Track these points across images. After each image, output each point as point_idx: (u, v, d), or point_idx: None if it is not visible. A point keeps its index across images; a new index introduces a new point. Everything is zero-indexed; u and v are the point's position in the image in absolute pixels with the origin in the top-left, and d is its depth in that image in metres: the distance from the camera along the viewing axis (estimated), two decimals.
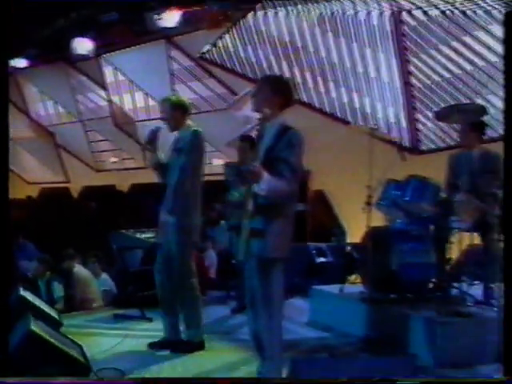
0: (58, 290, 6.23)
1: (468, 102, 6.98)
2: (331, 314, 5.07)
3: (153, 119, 10.75)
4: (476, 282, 4.88)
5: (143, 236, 5.57)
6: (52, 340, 3.07)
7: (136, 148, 11.82)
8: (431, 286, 4.84)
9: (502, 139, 1.49)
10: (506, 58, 1.55)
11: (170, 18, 9.07)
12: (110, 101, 12.47)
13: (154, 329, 4.84)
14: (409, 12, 7.45)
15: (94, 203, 12.74)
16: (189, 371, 3.87)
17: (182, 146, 4.30)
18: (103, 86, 12.42)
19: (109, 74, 12.10)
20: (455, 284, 4.70)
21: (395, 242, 4.77)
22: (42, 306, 4.45)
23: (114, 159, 13.39)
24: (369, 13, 7.81)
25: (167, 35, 10.26)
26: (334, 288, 5.26)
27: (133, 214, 10.13)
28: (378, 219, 5.20)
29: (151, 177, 4.67)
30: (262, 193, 3.16)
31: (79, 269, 6.62)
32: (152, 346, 4.39)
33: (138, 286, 5.59)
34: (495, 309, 4.09)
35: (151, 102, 11.49)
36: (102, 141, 13.56)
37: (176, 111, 4.36)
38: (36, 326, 3.08)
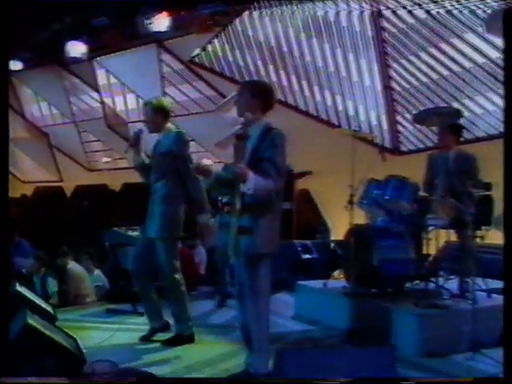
0: (53, 285, 6.20)
1: (445, 105, 7.06)
2: (316, 308, 5.13)
3: (144, 121, 10.73)
4: (452, 277, 4.95)
5: (135, 233, 5.56)
6: (48, 333, 3.08)
7: None
8: (410, 280, 4.90)
9: (503, 139, 1.50)
10: (506, 56, 1.57)
11: (161, 23, 9.08)
12: (102, 102, 12.43)
13: (146, 322, 4.80)
14: (387, 18, 7.53)
15: (87, 202, 12.69)
16: (179, 363, 3.90)
17: (169, 149, 4.28)
18: (96, 88, 12.38)
19: (101, 76, 12.06)
20: (433, 278, 4.74)
21: (376, 238, 4.83)
22: (37, 301, 4.44)
23: (106, 159, 13.33)
24: (351, 20, 7.85)
25: (158, 39, 10.26)
26: (318, 283, 5.32)
27: (125, 213, 10.11)
28: (361, 217, 5.24)
29: None
30: (250, 192, 3.20)
31: (73, 265, 6.61)
32: (143, 338, 4.41)
33: (129, 281, 5.60)
34: (469, 301, 4.17)
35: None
36: (94, 141, 13.52)
37: (157, 114, 4.35)
38: (32, 320, 3.10)
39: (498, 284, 5.15)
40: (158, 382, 1.70)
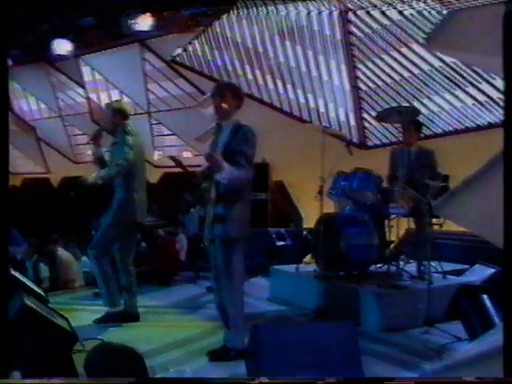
0: (44, 270, 6.22)
1: (406, 104, 7.20)
2: (289, 290, 5.25)
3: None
4: (411, 261, 5.13)
5: None
6: (43, 313, 3.17)
7: None
8: (374, 264, 5.05)
9: (503, 138, 1.59)
10: (506, 58, 1.65)
11: (144, 23, 9.09)
12: (87, 98, 12.35)
13: None
14: (354, 23, 7.66)
15: (74, 192, 12.62)
16: (162, 341, 3.98)
17: (117, 140, 4.48)
18: (81, 85, 12.27)
19: (87, 73, 11.94)
20: (394, 262, 4.89)
21: (344, 226, 4.94)
22: (30, 285, 4.50)
23: (91, 152, 13.24)
24: (321, 24, 7.94)
25: (141, 38, 10.22)
26: (291, 267, 5.43)
27: (110, 203, 10.08)
28: (330, 206, 5.33)
29: None
30: (224, 181, 3.35)
31: (62, 252, 6.61)
32: (97, 321, 4.46)
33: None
34: (426, 282, 4.34)
35: (125, 100, 11.42)
36: (80, 135, 13.40)
37: (116, 116, 4.52)
38: (29, 301, 3.18)
39: (452, 266, 5.40)
40: (159, 382, 1.77)
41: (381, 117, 5.48)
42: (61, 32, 9.90)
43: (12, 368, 2.47)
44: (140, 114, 11.36)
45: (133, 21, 9.10)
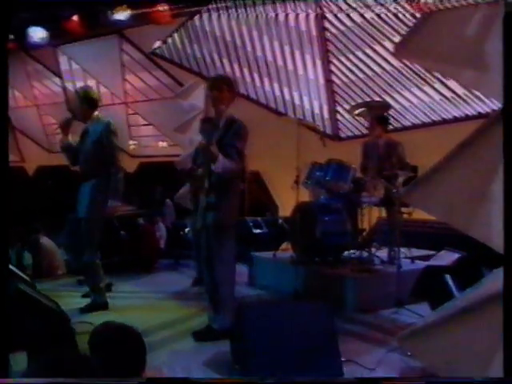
0: (28, 258, 6.22)
1: (377, 98, 7.43)
2: (266, 276, 5.43)
3: (104, 105, 10.68)
4: (383, 247, 5.35)
5: None
6: (36, 296, 3.28)
7: None
8: (347, 249, 5.24)
9: (503, 139, 1.69)
10: (506, 58, 1.78)
11: (121, 13, 9.11)
12: (64, 87, 12.25)
13: (114, 291, 5.14)
14: (329, 20, 7.83)
15: (51, 181, 12.53)
16: (146, 323, 4.00)
17: (99, 138, 4.36)
18: (58, 74, 12.16)
19: (63, 62, 11.84)
20: (366, 248, 5.10)
21: (319, 214, 5.09)
22: (18, 272, 4.55)
23: (59, 140, 13.08)
24: (298, 21, 8.08)
25: (120, 29, 10.19)
26: (268, 254, 5.60)
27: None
28: (306, 196, 5.48)
29: None
30: (217, 170, 3.53)
31: (45, 240, 6.60)
32: (82, 310, 4.50)
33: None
34: (395, 267, 4.55)
35: (103, 90, 11.38)
36: (55, 124, 13.26)
37: (83, 104, 4.42)
38: (21, 285, 3.28)
39: (420, 252, 5.65)
40: (160, 382, 1.89)
41: (353, 110, 5.66)
42: (38, 21, 9.81)
43: (15, 350, 2.57)
44: (117, 104, 11.36)
45: (111, 11, 9.10)
